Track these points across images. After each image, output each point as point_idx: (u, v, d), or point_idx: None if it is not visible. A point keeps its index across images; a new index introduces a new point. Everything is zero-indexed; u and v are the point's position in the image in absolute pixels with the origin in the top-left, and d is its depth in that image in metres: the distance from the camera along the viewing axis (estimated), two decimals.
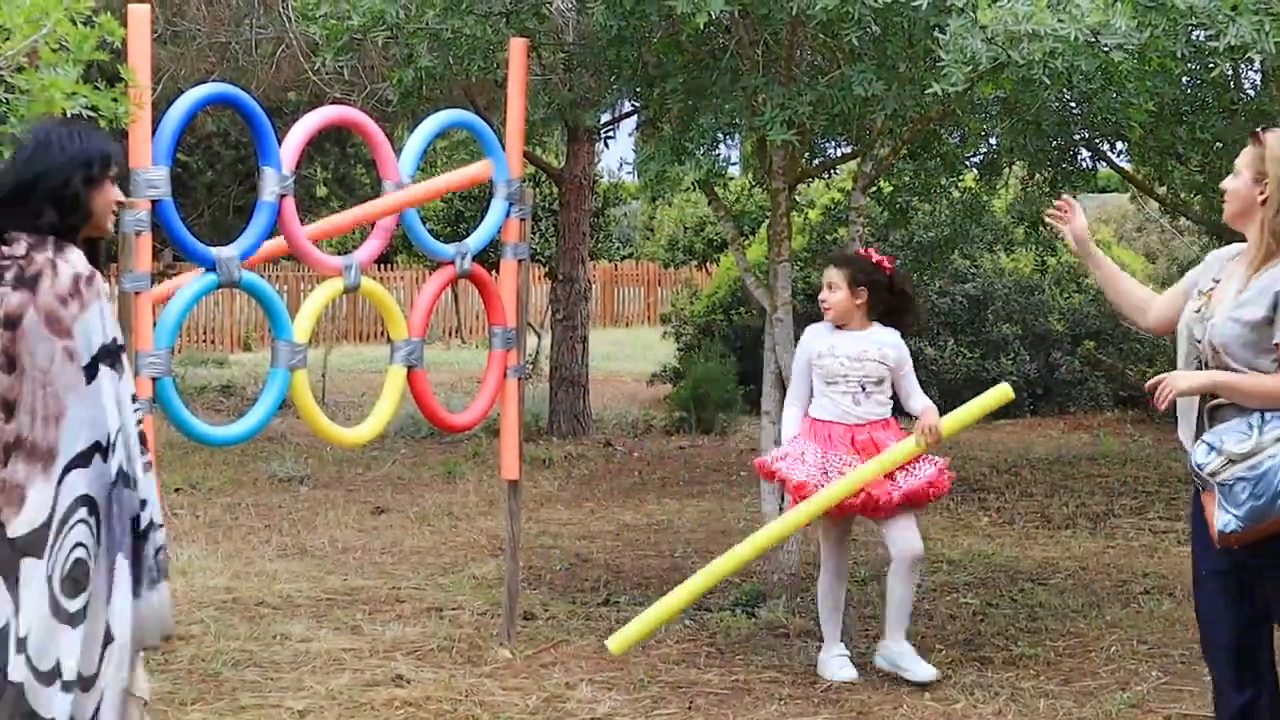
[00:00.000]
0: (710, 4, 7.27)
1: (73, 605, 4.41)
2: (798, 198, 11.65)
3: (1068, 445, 15.87)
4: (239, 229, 6.82)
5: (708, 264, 33.35)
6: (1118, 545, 10.48)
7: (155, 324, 6.20)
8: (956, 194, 13.32)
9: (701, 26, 7.43)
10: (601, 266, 33.78)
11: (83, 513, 4.44)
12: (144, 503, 4.65)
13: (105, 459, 4.48)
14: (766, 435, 8.85)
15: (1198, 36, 7.52)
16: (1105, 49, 6.75)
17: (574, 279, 16.84)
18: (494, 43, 8.46)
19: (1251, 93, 11.25)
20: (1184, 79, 10.86)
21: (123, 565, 4.53)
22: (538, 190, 21.36)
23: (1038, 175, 12.79)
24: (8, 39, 5.85)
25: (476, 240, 7.55)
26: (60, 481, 4.40)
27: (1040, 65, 6.78)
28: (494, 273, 7.81)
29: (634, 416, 18.04)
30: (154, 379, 6.15)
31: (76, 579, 4.42)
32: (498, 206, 7.67)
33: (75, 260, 4.53)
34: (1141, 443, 15.94)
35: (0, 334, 4.41)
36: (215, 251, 6.31)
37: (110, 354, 4.53)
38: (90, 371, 4.46)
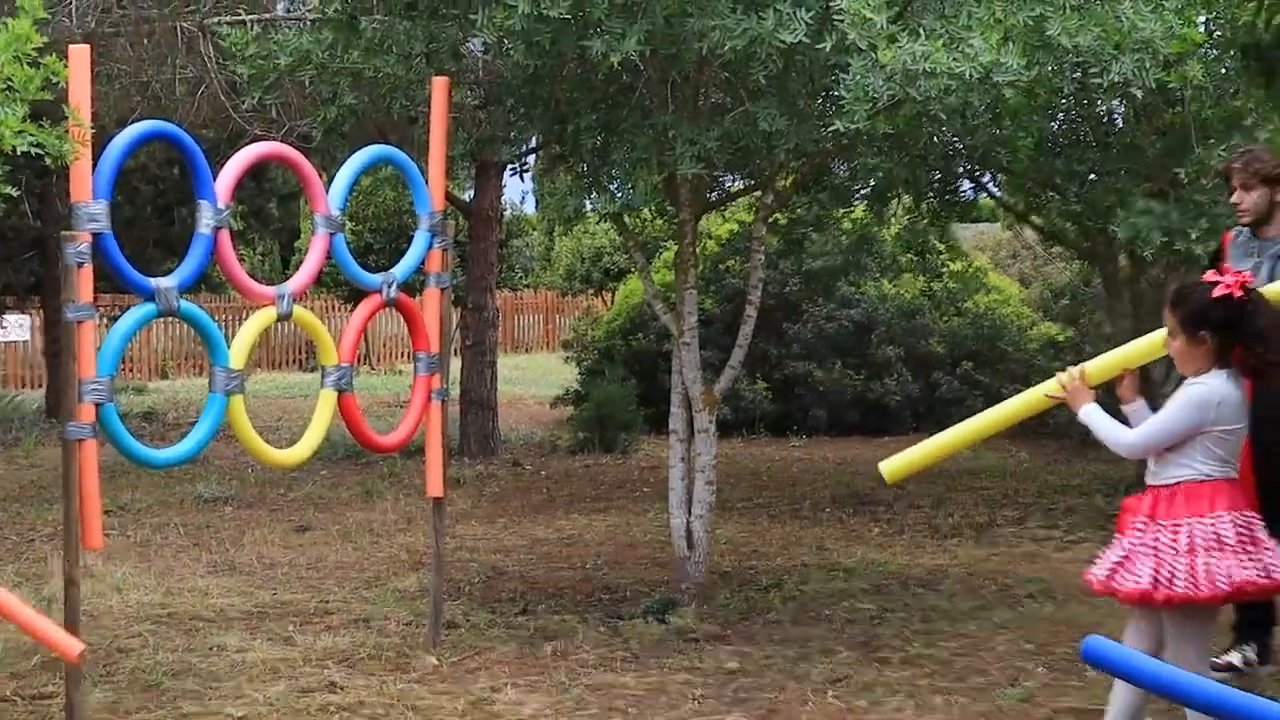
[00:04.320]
0: (623, 45, 7.33)
1: None
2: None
3: (949, 461, 15.99)
4: (158, 261, 6.81)
5: (603, 292, 33.45)
6: (1001, 553, 10.59)
7: (99, 351, 6.17)
8: (848, 224, 13.47)
9: (614, 65, 7.50)
10: (504, 295, 33.74)
11: None
12: None
13: None
14: (675, 453, 8.90)
15: (1079, 75, 7.67)
16: (997, 86, 6.86)
17: (483, 307, 16.87)
18: (414, 82, 8.47)
19: (1122, 128, 11.45)
20: (1060, 115, 11.08)
21: None
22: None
23: (923, 206, 12.95)
24: None
25: (402, 270, 7.56)
26: None
27: (936, 101, 6.88)
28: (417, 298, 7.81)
29: (540, 437, 18.06)
30: (97, 404, 6.12)
31: None
32: (421, 238, 7.69)
33: None
34: (1019, 457, 16.12)
35: None
36: (154, 282, 6.29)
37: None
38: None
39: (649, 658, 7.65)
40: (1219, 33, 9.92)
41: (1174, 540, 5.38)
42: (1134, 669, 4.42)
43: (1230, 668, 7.05)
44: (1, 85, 5.89)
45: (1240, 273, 5.55)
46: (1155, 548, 5.40)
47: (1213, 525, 5.38)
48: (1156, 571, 5.38)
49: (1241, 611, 7.24)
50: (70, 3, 12.91)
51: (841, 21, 6.99)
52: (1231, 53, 9.27)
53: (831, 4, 7.17)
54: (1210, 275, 5.54)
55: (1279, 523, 7.01)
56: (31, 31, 5.85)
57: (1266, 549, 5.43)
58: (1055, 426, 17.09)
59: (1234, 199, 7.21)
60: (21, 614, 5.50)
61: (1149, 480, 5.59)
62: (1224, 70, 9.85)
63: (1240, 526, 5.41)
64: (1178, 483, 5.46)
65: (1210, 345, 5.44)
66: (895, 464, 6.34)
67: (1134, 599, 5.41)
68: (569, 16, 7.36)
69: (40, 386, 23.33)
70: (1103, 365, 5.94)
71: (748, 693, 7.00)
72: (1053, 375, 5.81)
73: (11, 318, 24.51)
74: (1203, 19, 9.79)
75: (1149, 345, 5.91)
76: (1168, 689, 4.38)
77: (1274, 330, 5.45)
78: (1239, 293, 5.42)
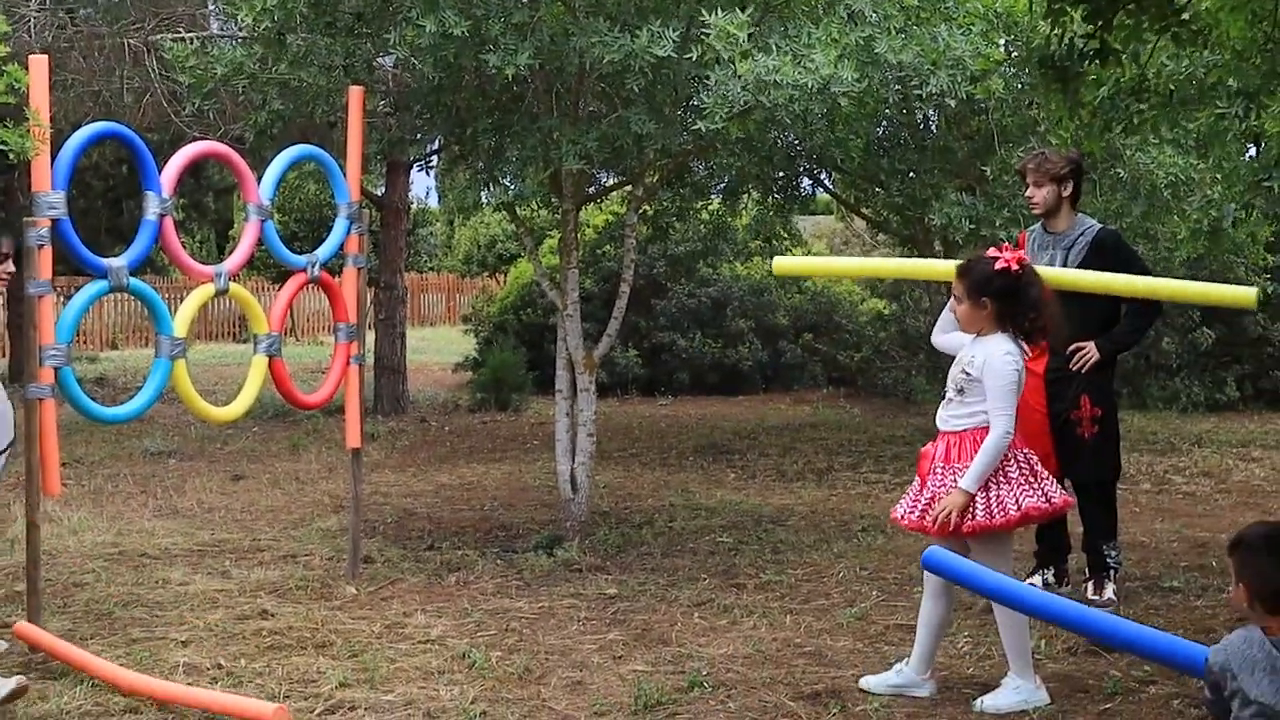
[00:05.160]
0: (516, 59, 7.29)
1: None
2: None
3: (794, 416, 16.11)
4: (109, 247, 6.72)
5: (497, 274, 33.32)
6: (839, 493, 10.66)
7: (56, 322, 6.07)
8: (706, 215, 13.49)
9: (508, 77, 7.45)
10: (411, 276, 33.49)
11: None
12: None
13: None
14: (560, 410, 8.88)
15: (901, 87, 7.72)
16: (834, 95, 6.89)
17: (394, 286, 16.78)
18: (334, 90, 8.37)
19: (937, 133, 11.54)
20: (885, 122, 11.14)
21: None
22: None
23: (769, 199, 13.00)
24: None
25: (325, 252, 7.47)
26: None
27: (783, 108, 6.90)
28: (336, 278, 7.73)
29: (443, 398, 17.93)
30: (56, 368, 6.04)
31: None
32: (340, 225, 7.60)
33: None
34: (851, 413, 16.25)
35: None
36: (107, 262, 6.18)
37: None
38: None
39: (539, 586, 7.63)
40: (1016, 53, 10.02)
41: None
42: (964, 573, 4.47)
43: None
44: None
45: (1018, 251, 5.65)
46: (955, 487, 5.48)
47: (1000, 463, 5.46)
48: (990, 505, 5.45)
49: (1041, 540, 7.36)
50: (29, 20, 12.64)
51: (707, 36, 6.99)
52: (1027, 70, 9.36)
53: (695, 21, 7.19)
54: (993, 251, 5.63)
55: (1069, 467, 7.18)
56: None
57: (1045, 479, 5.54)
58: (883, 386, 17.29)
59: (1028, 194, 7.30)
60: (214, 699, 5.47)
61: (941, 426, 5.65)
62: (1020, 85, 9.95)
63: (1021, 462, 5.52)
64: (967, 429, 5.53)
65: (990, 310, 5.56)
66: (786, 264, 6.58)
67: (940, 532, 5.48)
68: (469, 35, 7.33)
69: (3, 355, 22.89)
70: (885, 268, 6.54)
71: (624, 615, 6.99)
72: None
73: None
74: (1003, 41, 9.90)
75: (922, 268, 6.41)
76: (993, 591, 4.43)
77: (1043, 302, 5.60)
78: (1016, 267, 5.53)
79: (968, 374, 5.56)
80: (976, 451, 5.47)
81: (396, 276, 16.87)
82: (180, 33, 12.91)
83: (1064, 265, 7.10)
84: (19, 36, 11.82)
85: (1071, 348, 7.06)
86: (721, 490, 10.85)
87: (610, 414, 15.72)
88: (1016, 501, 5.42)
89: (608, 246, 17.04)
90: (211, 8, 13.70)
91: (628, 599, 7.31)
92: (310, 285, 7.48)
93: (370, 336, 17.86)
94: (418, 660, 6.16)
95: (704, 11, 7.01)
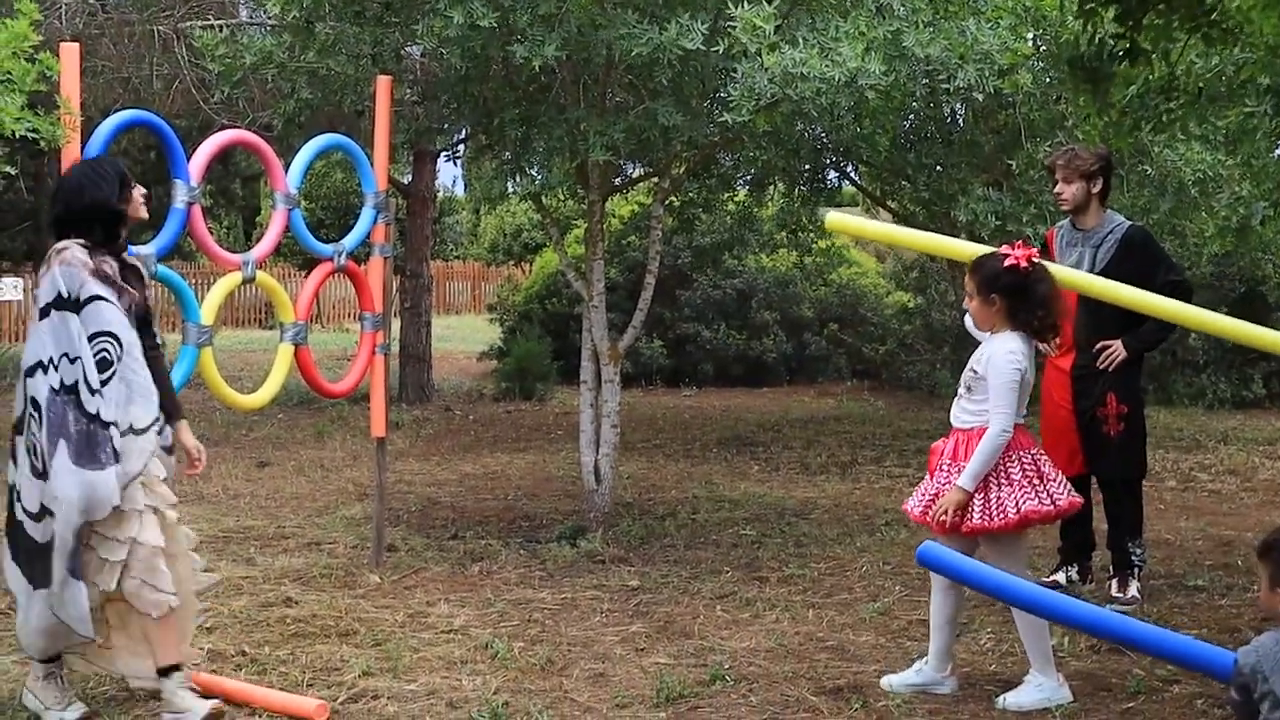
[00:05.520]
0: (543, 50, 7.29)
1: (40, 465, 5.08)
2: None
3: (818, 408, 16.09)
4: (137, 232, 6.73)
5: (523, 263, 33.34)
6: (862, 487, 10.64)
7: None
8: (732, 206, 13.48)
9: (535, 68, 7.45)
10: (437, 265, 33.55)
11: (32, 409, 5.09)
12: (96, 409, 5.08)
13: (45, 373, 5.06)
14: (584, 400, 8.89)
15: (928, 81, 7.69)
16: (861, 89, 6.87)
17: (419, 274, 16.80)
18: (362, 79, 8.39)
19: (963, 127, 11.50)
20: (912, 115, 11.10)
21: (62, 446, 5.02)
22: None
23: (795, 191, 12.97)
24: None
25: (351, 241, 7.48)
26: (24, 384, 5.13)
27: (810, 101, 6.89)
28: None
29: (468, 387, 17.97)
30: None
31: (37, 452, 5.08)
32: (367, 214, 7.61)
33: (67, 241, 5.21)
34: (876, 406, 16.21)
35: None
36: (135, 249, 6.18)
37: (66, 303, 5.08)
38: (42, 313, 5.11)
39: (562, 576, 7.64)
40: (1045, 47, 9.97)
41: (987, 474, 5.46)
42: (960, 569, 4.45)
43: (1056, 585, 7.14)
44: (2, 78, 5.80)
45: (1030, 249, 5.62)
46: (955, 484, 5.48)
47: (1003, 464, 5.45)
48: (988, 506, 5.44)
49: (1065, 537, 7.34)
50: (61, 6, 12.70)
51: (734, 29, 6.98)
52: (1056, 65, 9.32)
53: (723, 14, 7.18)
54: (1004, 249, 5.61)
55: (1095, 464, 7.17)
56: (28, 31, 5.76)
57: (1052, 482, 5.50)
58: (908, 380, 17.25)
59: (1057, 190, 7.27)
60: (260, 695, 5.53)
61: (953, 423, 5.65)
62: (1049, 79, 9.90)
63: (1026, 463, 5.50)
64: (974, 427, 5.52)
65: (1000, 307, 5.54)
66: (839, 221, 6.58)
67: (943, 529, 5.48)
68: (496, 26, 7.33)
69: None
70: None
71: (647, 607, 7.01)
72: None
73: (7, 280, 24.20)
74: (1031, 35, 9.85)
75: (949, 245, 6.37)
76: (990, 587, 4.42)
77: (1053, 299, 5.56)
78: (1025, 265, 5.50)
79: (975, 371, 5.56)
80: (1007, 448, 5.47)
81: (422, 265, 16.90)
82: (210, 21, 12.95)
83: (1093, 262, 7.08)
84: (50, 23, 11.86)
85: (1098, 345, 7.06)
86: (745, 482, 10.84)
87: (634, 405, 15.71)
88: (1016, 504, 5.40)
89: (633, 237, 17.01)
90: None
91: (650, 591, 7.31)
92: (337, 274, 7.48)
93: (396, 325, 17.92)
94: (441, 650, 6.18)
95: (730, 4, 7.00)
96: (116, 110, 6.61)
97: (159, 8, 13.39)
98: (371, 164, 7.66)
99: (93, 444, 5.03)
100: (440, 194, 30.21)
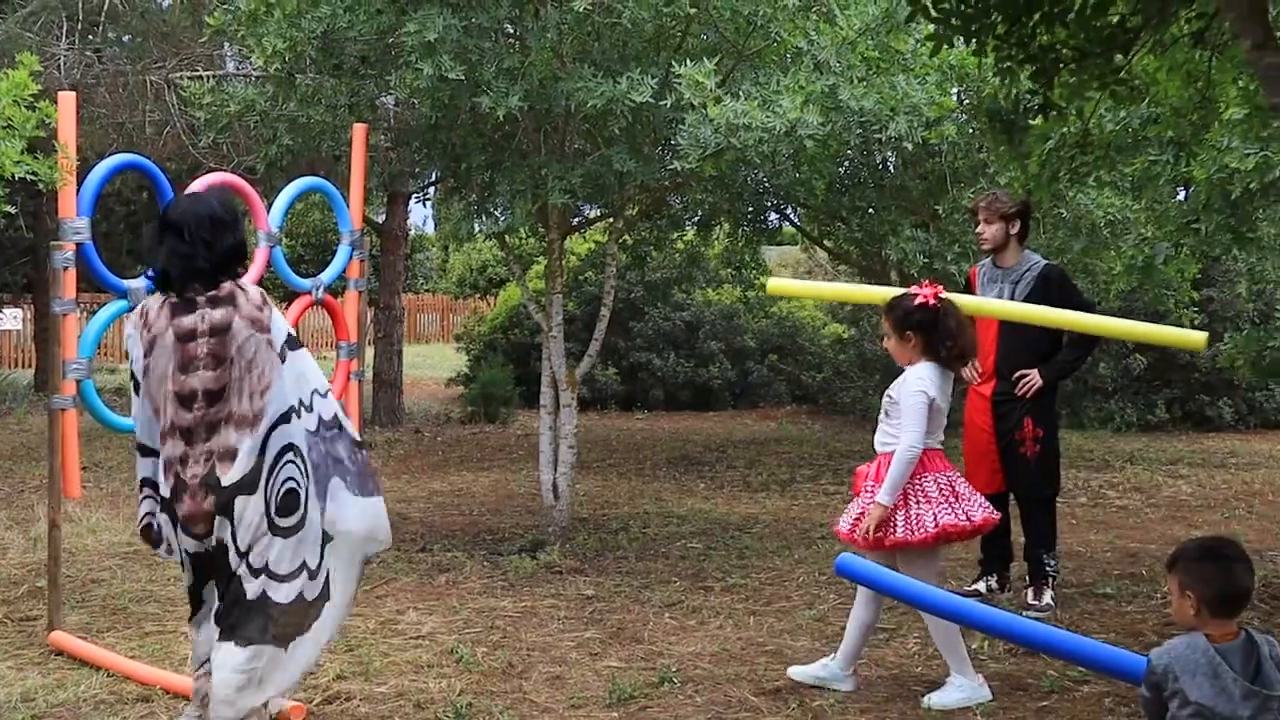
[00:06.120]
0: (507, 101, 7.31)
1: (285, 522, 4.48)
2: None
3: (759, 431, 16.12)
4: (129, 267, 6.70)
5: (488, 296, 33.29)
6: (800, 503, 10.65)
7: (79, 338, 6.05)
8: (681, 245, 13.51)
9: (499, 117, 7.46)
10: (409, 297, 33.47)
11: (289, 455, 4.49)
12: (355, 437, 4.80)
13: (299, 417, 4.54)
14: (544, 423, 8.88)
15: (862, 131, 7.74)
16: (799, 138, 6.91)
17: (392, 306, 16.78)
18: (339, 127, 8.37)
19: (894, 173, 11.57)
20: (847, 162, 11.17)
21: (337, 483, 4.64)
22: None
23: (739, 231, 13.02)
24: None
25: (328, 275, 7.45)
26: (267, 436, 4.44)
27: (752, 149, 6.92)
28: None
29: (437, 410, 17.92)
30: (78, 381, 6.01)
31: (289, 504, 4.49)
32: (343, 251, 7.59)
33: (249, 283, 4.63)
34: (813, 428, 16.27)
35: (207, 341, 4.44)
36: (127, 283, 6.14)
37: (292, 341, 4.59)
38: (281, 355, 4.52)
39: (523, 586, 7.61)
40: (968, 101, 10.06)
41: (905, 493, 5.50)
42: (872, 578, 4.46)
43: (976, 594, 7.17)
44: (3, 124, 5.78)
45: (936, 285, 5.67)
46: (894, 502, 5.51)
47: (920, 483, 5.49)
48: (910, 522, 5.48)
49: (985, 550, 7.38)
50: (59, 58, 12.64)
51: (680, 84, 7.02)
52: (977, 118, 9.40)
53: (671, 71, 7.22)
54: (913, 289, 5.66)
55: (1013, 482, 7.21)
56: (28, 81, 5.75)
57: (966, 500, 5.54)
58: (842, 405, 17.30)
59: (978, 230, 7.33)
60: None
61: (878, 449, 5.68)
62: (971, 130, 9.99)
63: (943, 484, 5.54)
64: (891, 450, 5.56)
65: (915, 342, 5.59)
66: (778, 285, 6.54)
67: (868, 545, 5.51)
68: (464, 78, 7.35)
69: (30, 367, 22.81)
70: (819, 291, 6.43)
71: (601, 614, 6.98)
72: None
73: (7, 311, 24.24)
74: (955, 90, 9.94)
75: (873, 294, 6.30)
76: (903, 594, 4.42)
77: (960, 329, 5.61)
78: (933, 301, 5.57)
79: (891, 397, 5.63)
80: (922, 469, 5.51)
81: (395, 297, 16.88)
82: (198, 71, 12.92)
83: (1011, 298, 7.14)
84: (49, 73, 11.82)
85: (1017, 374, 7.11)
86: (692, 499, 10.84)
87: (590, 427, 15.71)
88: (934, 518, 5.44)
89: (590, 273, 17.07)
90: (227, 49, 13.70)
91: (604, 599, 7.30)
92: (315, 306, 7.46)
93: (370, 353, 17.88)
94: (409, 655, 6.15)
95: (675, 63, 7.05)
96: (111, 154, 6.57)
97: (151, 59, 13.37)
98: (348, 204, 7.64)
99: (368, 471, 4.81)
100: (412, 232, 30.14)
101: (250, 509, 4.41)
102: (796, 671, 5.74)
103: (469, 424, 16.68)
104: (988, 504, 5.67)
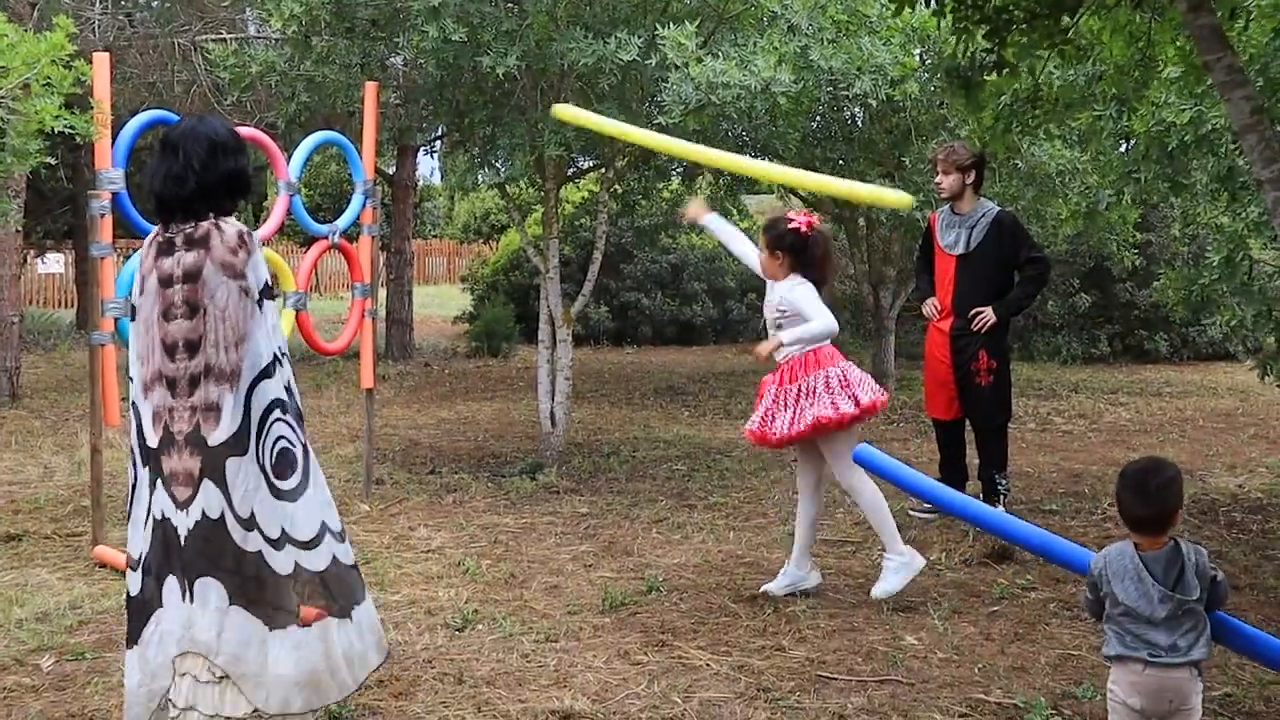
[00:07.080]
0: (506, 61, 7.26)
1: (285, 485, 3.73)
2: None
3: (739, 364, 16.13)
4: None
5: (490, 241, 33.17)
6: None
7: (116, 279, 6.03)
8: (667, 194, 13.45)
9: (499, 76, 7.41)
10: (417, 243, 33.33)
11: (277, 412, 3.72)
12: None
13: (278, 371, 3.75)
14: (542, 357, 8.88)
15: (831, 88, 7.70)
16: (774, 95, 6.87)
17: (402, 251, 16.74)
18: (352, 85, 8.31)
19: (862, 128, 11.52)
20: (818, 118, 11.11)
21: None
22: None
23: (720, 180, 12.96)
24: (7, 76, 5.63)
25: (344, 222, 7.43)
26: (249, 394, 3.68)
27: (731, 105, 6.89)
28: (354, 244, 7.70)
29: (444, 346, 17.91)
30: (115, 318, 6.00)
31: (285, 465, 3.74)
32: (357, 199, 7.56)
33: (234, 222, 3.77)
34: None
35: (181, 287, 3.69)
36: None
37: (268, 290, 3.76)
38: (260, 304, 3.71)
39: (523, 505, 7.65)
40: (929, 61, 10.01)
41: (799, 392, 5.51)
42: (888, 470, 4.39)
43: (931, 512, 7.21)
44: (43, 82, 5.73)
45: (811, 216, 5.66)
46: (786, 403, 5.52)
47: (824, 376, 5.48)
48: (793, 419, 5.47)
49: (944, 470, 7.41)
50: (93, 21, 12.51)
51: (664, 45, 6.97)
52: (938, 75, 9.36)
53: (656, 33, 7.16)
54: (791, 214, 5.65)
55: (969, 409, 7.24)
56: (65, 42, 5.70)
57: (856, 387, 5.50)
58: None
59: (938, 180, 7.31)
60: None
61: (779, 359, 5.62)
62: (933, 88, 9.92)
63: (836, 376, 5.51)
64: (798, 355, 5.54)
65: (783, 261, 5.59)
66: (565, 111, 5.80)
67: (784, 441, 5.54)
68: (466, 40, 7.30)
69: (72, 306, 22.76)
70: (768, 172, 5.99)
71: (594, 530, 7.03)
72: None
73: (51, 255, 24.20)
74: (918, 51, 9.88)
75: (811, 180, 5.82)
76: (908, 484, 4.35)
77: (825, 261, 5.66)
78: (806, 230, 5.58)
79: (782, 311, 5.60)
80: (814, 368, 5.51)
81: (405, 242, 16.83)
82: (222, 35, 12.81)
83: (968, 242, 7.16)
84: (85, 36, 11.72)
85: (973, 311, 7.13)
86: (677, 426, 10.87)
87: (584, 361, 15.71)
88: (833, 405, 5.43)
89: (584, 219, 16.92)
90: (249, 13, 13.57)
91: (597, 517, 7.34)
92: (331, 250, 7.44)
93: (382, 293, 17.84)
94: (420, 567, 6.19)
95: (659, 26, 7.00)
96: (142, 111, 6.53)
97: (179, 24, 13.25)
98: (361, 157, 7.60)
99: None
100: (420, 182, 30.00)
101: (244, 472, 3.65)
102: (770, 587, 5.77)
103: (473, 358, 16.67)
104: (877, 387, 5.63)
